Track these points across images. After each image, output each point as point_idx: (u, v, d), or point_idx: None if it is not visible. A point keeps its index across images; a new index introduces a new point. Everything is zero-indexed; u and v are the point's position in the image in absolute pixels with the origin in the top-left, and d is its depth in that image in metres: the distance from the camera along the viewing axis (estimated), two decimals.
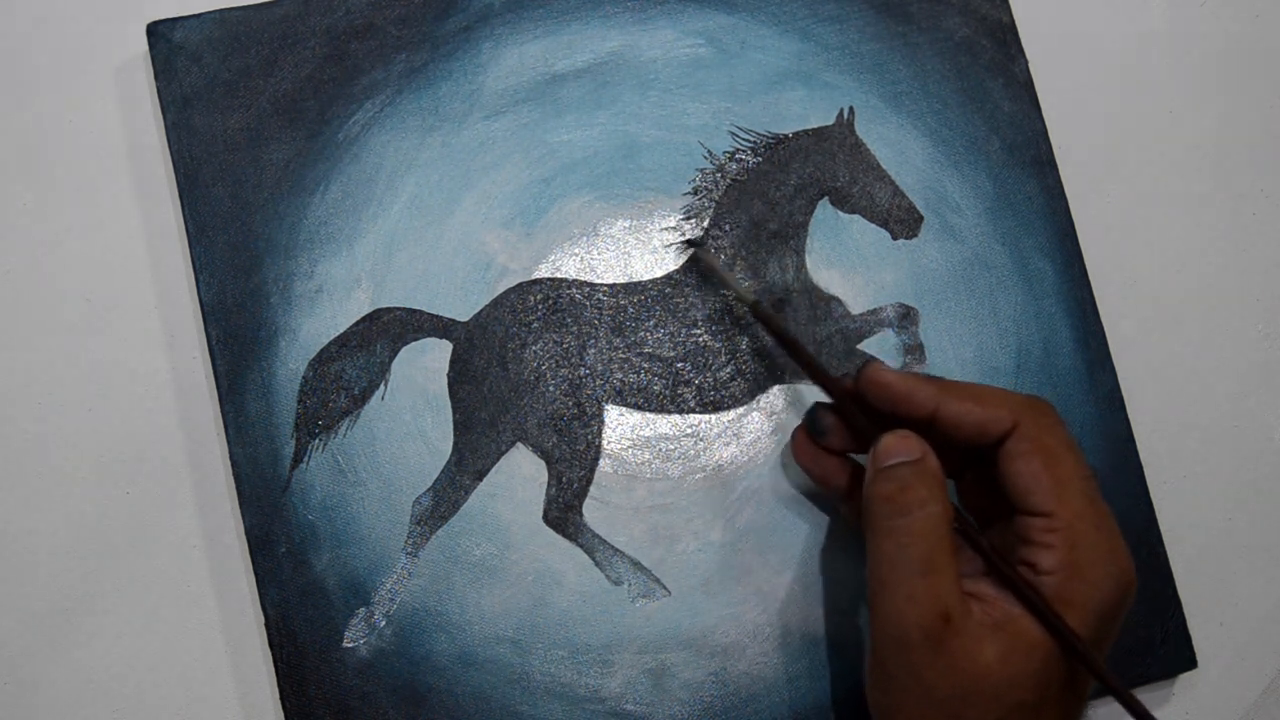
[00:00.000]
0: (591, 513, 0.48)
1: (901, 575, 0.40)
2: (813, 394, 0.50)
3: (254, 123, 0.49)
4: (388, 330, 0.48)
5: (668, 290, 0.50)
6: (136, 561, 0.48)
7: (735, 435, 0.49)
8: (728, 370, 0.50)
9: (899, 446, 0.42)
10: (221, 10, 0.50)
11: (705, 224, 0.51)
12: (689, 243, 0.50)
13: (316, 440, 0.47)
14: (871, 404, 0.44)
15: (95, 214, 0.50)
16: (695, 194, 0.51)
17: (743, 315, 0.50)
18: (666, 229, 0.51)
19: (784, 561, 0.49)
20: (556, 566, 0.48)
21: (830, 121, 0.52)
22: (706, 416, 0.49)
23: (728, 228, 0.51)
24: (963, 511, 0.43)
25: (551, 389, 0.49)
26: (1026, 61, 0.53)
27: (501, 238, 0.50)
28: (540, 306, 0.49)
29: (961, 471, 0.46)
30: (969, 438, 0.42)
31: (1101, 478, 0.50)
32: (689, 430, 0.49)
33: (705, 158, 0.51)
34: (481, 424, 0.48)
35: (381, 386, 0.48)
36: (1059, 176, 0.53)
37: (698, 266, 0.50)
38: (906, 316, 0.51)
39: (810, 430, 0.47)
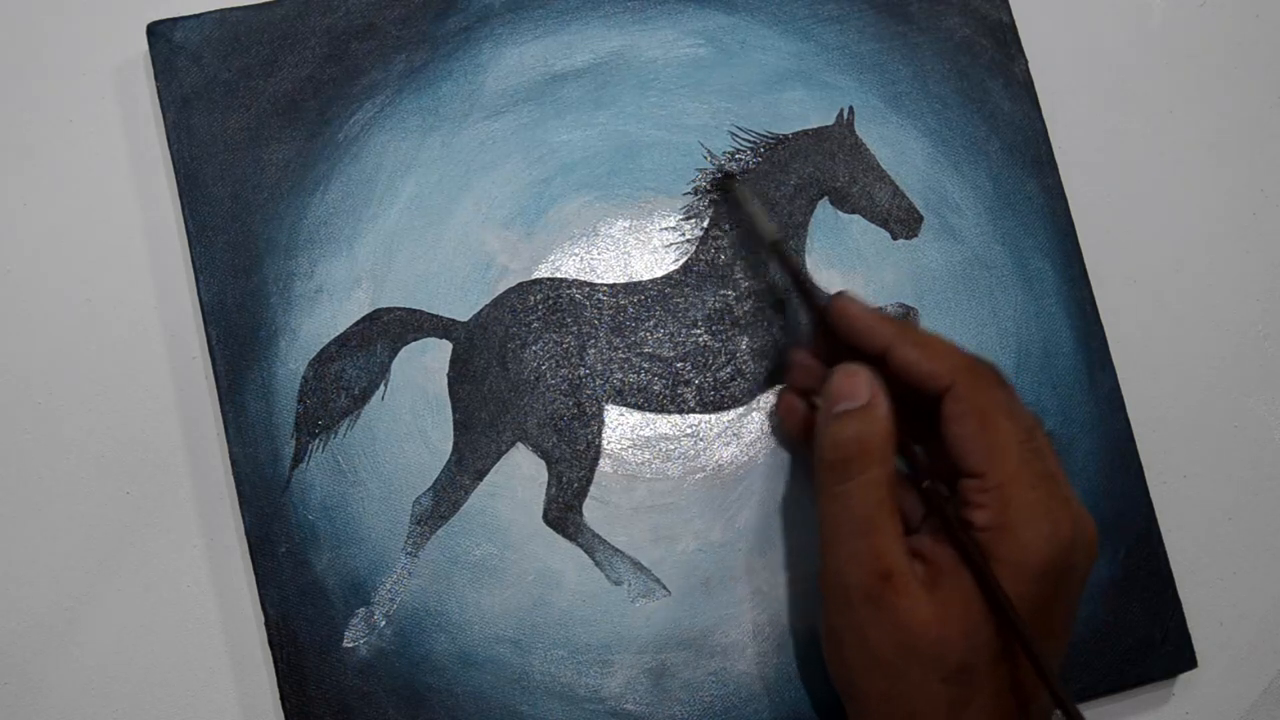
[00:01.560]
0: (591, 512, 0.48)
1: (843, 536, 0.42)
2: None
3: (254, 123, 0.49)
4: (388, 330, 0.48)
5: (668, 290, 0.50)
6: (136, 561, 0.48)
7: (735, 435, 0.49)
8: (728, 370, 0.50)
9: (847, 388, 0.43)
10: (221, 10, 0.50)
11: (705, 224, 0.51)
12: (725, 176, 0.50)
13: (316, 440, 0.47)
14: (839, 336, 0.45)
15: (95, 214, 0.50)
16: (695, 194, 0.51)
17: (743, 316, 0.50)
18: (666, 229, 0.51)
19: (784, 561, 0.49)
20: (556, 566, 0.48)
21: (830, 121, 0.52)
22: (706, 416, 0.49)
23: (728, 228, 0.51)
24: (916, 466, 0.44)
25: (551, 389, 0.49)
26: (1026, 61, 0.53)
27: (501, 238, 0.50)
28: (540, 306, 0.49)
29: (929, 434, 0.46)
30: (915, 385, 0.43)
31: (1101, 478, 0.51)
32: (689, 430, 0.49)
33: (705, 158, 0.51)
34: (481, 424, 0.48)
35: (381, 386, 0.48)
36: (1059, 176, 0.53)
37: (726, 198, 0.50)
38: (906, 317, 0.51)
39: (784, 370, 0.49)
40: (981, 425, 0.42)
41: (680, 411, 0.49)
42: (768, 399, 0.50)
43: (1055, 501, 0.41)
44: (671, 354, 0.49)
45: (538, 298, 0.49)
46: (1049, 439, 0.43)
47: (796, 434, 0.48)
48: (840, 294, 0.45)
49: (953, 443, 0.42)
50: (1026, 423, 0.42)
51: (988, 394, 0.42)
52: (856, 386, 0.43)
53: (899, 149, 0.52)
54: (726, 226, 0.51)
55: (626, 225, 0.51)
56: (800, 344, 0.49)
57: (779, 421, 0.49)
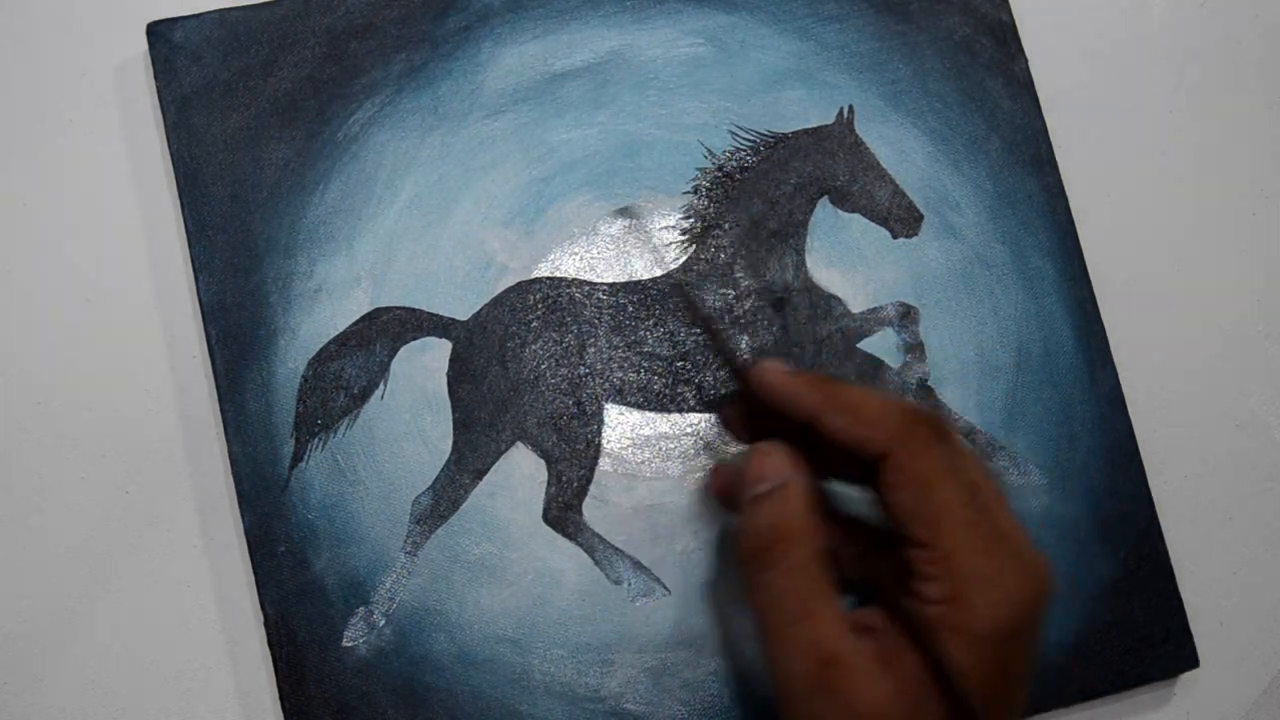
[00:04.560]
0: (591, 512, 0.48)
1: (778, 626, 0.39)
2: None
3: (254, 123, 0.49)
4: (387, 329, 0.48)
5: (667, 289, 0.50)
6: (136, 561, 0.48)
7: None
8: (728, 369, 0.50)
9: (762, 469, 0.41)
10: (221, 10, 0.50)
11: (705, 223, 0.51)
12: (676, 286, 0.49)
13: (316, 440, 0.47)
14: (765, 404, 0.43)
15: (95, 214, 0.50)
16: (695, 194, 0.51)
17: (743, 315, 0.50)
18: (666, 229, 0.51)
19: None
20: (556, 566, 0.47)
21: (830, 120, 0.52)
22: (706, 415, 0.49)
23: (728, 227, 0.51)
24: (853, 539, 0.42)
25: (551, 388, 0.49)
26: (1026, 61, 0.53)
27: (501, 237, 0.50)
28: (540, 305, 0.49)
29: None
30: (848, 449, 0.41)
31: (1102, 477, 0.51)
32: (689, 429, 0.49)
33: (705, 157, 0.51)
34: (481, 423, 0.48)
35: (381, 386, 0.48)
36: (1059, 176, 0.53)
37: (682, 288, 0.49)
38: (906, 315, 0.51)
39: (719, 424, 0.47)
40: (922, 493, 0.39)
41: (680, 410, 0.49)
42: None
43: (1007, 563, 0.39)
44: (671, 353, 0.49)
45: (537, 297, 0.49)
46: (997, 483, 0.41)
47: (724, 495, 0.46)
48: (759, 362, 0.43)
49: (894, 512, 0.40)
50: (969, 479, 0.40)
51: (925, 458, 0.40)
52: (771, 467, 0.41)
53: (899, 148, 0.52)
54: (726, 226, 0.51)
55: (626, 225, 0.51)
56: (732, 400, 0.47)
57: (709, 494, 0.48)
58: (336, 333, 0.48)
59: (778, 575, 0.39)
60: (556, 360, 0.49)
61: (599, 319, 0.49)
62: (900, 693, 0.38)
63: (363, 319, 0.48)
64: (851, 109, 0.52)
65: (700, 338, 0.50)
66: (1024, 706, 0.41)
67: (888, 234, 0.52)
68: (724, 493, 0.46)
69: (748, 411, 0.45)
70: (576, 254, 0.50)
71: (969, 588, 0.39)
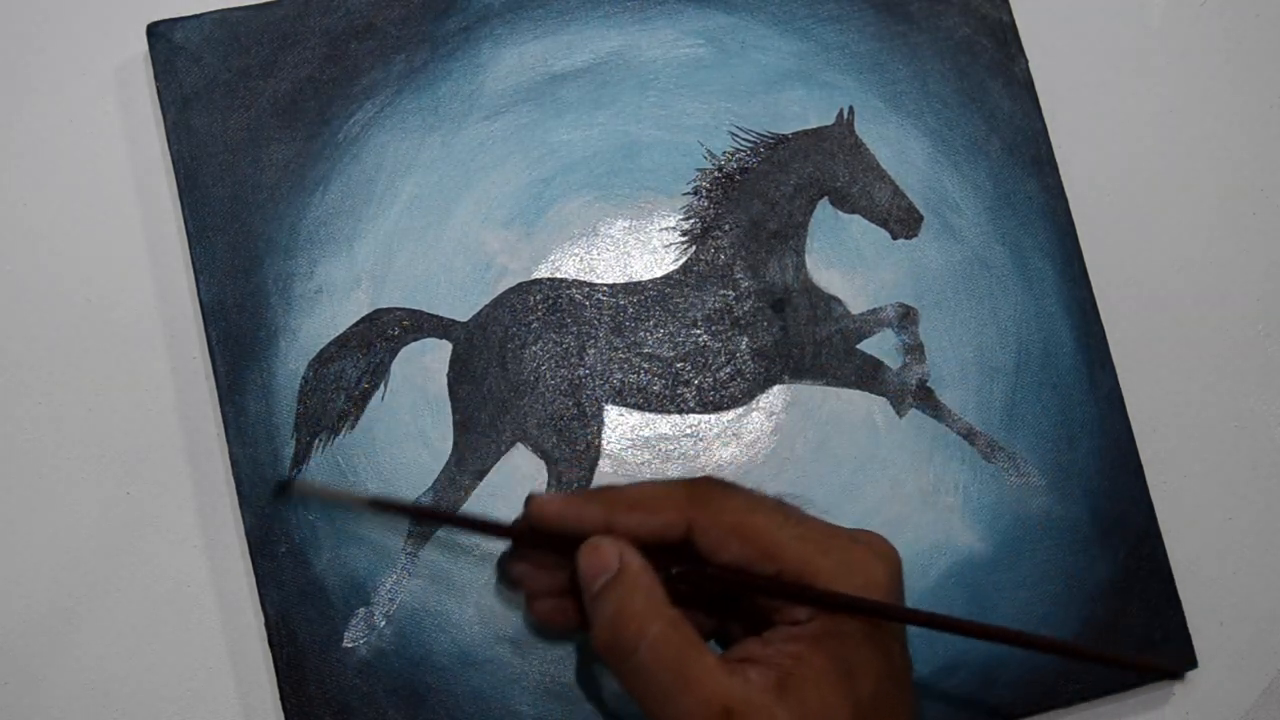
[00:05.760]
0: None
1: (665, 703, 0.39)
2: (814, 394, 0.50)
3: (254, 123, 0.49)
4: (387, 331, 0.48)
5: (667, 290, 0.50)
6: (136, 561, 0.48)
7: (735, 435, 0.49)
8: (727, 370, 0.50)
9: (595, 565, 0.40)
10: (221, 10, 0.50)
11: (705, 224, 0.51)
12: (282, 484, 0.47)
13: (317, 440, 0.47)
14: (556, 535, 0.42)
15: (95, 214, 0.50)
16: (695, 194, 0.51)
17: (743, 316, 0.50)
18: (666, 229, 0.51)
19: None
20: None
21: (830, 121, 0.52)
22: (706, 416, 0.49)
23: (727, 228, 0.51)
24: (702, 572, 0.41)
25: (551, 389, 0.49)
26: (1026, 61, 0.53)
27: (501, 238, 0.50)
28: (540, 307, 0.49)
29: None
30: (655, 541, 0.41)
31: (1102, 477, 0.51)
32: (688, 430, 0.49)
33: (705, 158, 0.51)
34: (481, 424, 0.48)
35: (381, 387, 0.48)
36: (1059, 176, 0.53)
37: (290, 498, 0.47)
38: (906, 316, 0.51)
39: (504, 585, 0.45)
40: (741, 536, 0.40)
41: (680, 411, 0.49)
42: (767, 399, 0.50)
43: (851, 554, 0.40)
44: (671, 354, 0.50)
45: (537, 298, 0.49)
46: (789, 501, 0.42)
47: (559, 621, 0.44)
48: (531, 499, 0.42)
49: (729, 567, 0.40)
50: (771, 504, 0.41)
51: (725, 508, 0.41)
52: (603, 559, 0.40)
53: (899, 148, 0.52)
54: (726, 227, 0.51)
55: (626, 225, 0.51)
56: (509, 558, 0.45)
57: (534, 620, 0.46)
58: (337, 334, 0.48)
59: (643, 655, 0.39)
60: (556, 361, 0.49)
61: (599, 320, 0.49)
62: (806, 712, 0.38)
63: (363, 320, 0.48)
64: (851, 110, 0.52)
65: (701, 340, 0.50)
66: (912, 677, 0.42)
67: (887, 235, 0.52)
68: (553, 617, 0.44)
69: (534, 561, 0.44)
70: (577, 255, 0.50)
71: (835, 581, 0.39)
